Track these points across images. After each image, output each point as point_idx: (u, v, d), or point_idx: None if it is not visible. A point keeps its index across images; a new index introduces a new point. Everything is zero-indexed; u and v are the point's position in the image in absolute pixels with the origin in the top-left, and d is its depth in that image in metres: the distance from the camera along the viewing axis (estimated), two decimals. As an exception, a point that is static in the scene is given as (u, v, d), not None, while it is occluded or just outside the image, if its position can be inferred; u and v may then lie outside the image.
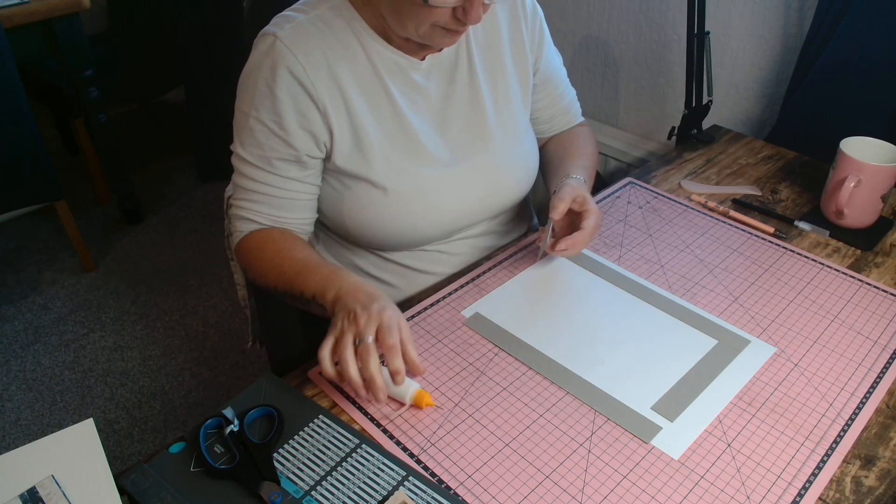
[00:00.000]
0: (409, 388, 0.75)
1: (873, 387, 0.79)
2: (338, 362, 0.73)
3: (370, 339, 0.72)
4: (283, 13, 0.89)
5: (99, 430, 0.71)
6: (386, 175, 0.90)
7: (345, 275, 0.81)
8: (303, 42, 0.85)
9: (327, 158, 0.90)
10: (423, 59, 0.91)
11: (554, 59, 1.07)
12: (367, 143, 0.89)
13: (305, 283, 0.83)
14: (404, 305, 0.91)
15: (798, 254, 1.01)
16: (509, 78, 0.99)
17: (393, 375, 0.72)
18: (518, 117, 1.02)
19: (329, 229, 1.01)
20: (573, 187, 0.93)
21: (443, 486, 0.68)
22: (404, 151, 0.91)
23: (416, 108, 0.92)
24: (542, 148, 1.11)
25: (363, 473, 0.68)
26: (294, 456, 0.70)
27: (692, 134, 1.34)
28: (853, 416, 0.76)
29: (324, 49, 0.86)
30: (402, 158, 0.91)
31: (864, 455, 0.72)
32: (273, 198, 0.91)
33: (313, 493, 0.67)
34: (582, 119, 1.16)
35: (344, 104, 0.87)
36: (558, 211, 0.90)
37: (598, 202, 1.11)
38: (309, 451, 0.71)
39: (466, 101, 0.96)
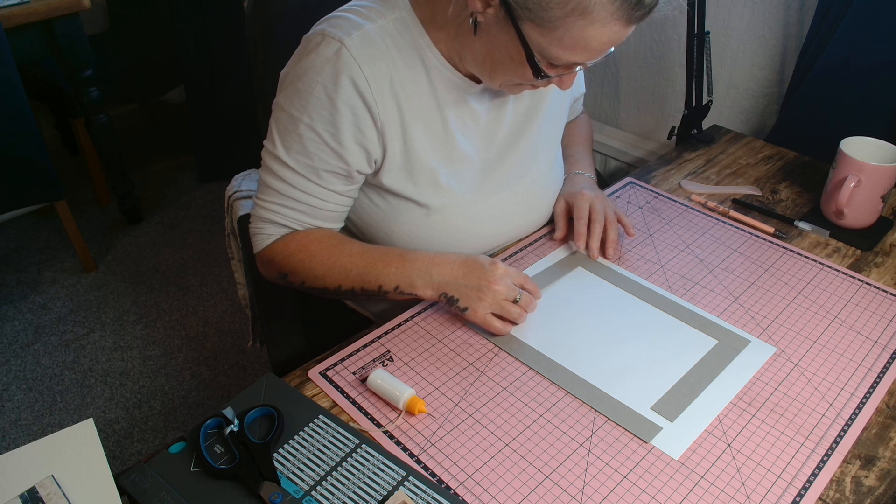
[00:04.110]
0: (404, 392, 0.75)
1: (873, 387, 0.79)
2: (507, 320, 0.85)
3: (519, 293, 0.83)
4: (341, 14, 0.84)
5: (99, 430, 0.71)
6: (431, 197, 0.89)
7: (419, 257, 0.86)
8: (370, 54, 0.81)
9: (374, 174, 0.89)
10: (479, 82, 0.89)
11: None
12: (417, 164, 0.88)
13: (381, 276, 0.85)
14: (408, 304, 0.91)
15: (798, 254, 1.01)
16: (555, 103, 1.00)
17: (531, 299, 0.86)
18: (558, 141, 1.04)
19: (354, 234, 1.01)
20: (565, 199, 1.03)
21: (443, 486, 0.68)
22: (451, 175, 0.90)
23: (465, 131, 0.91)
24: None
25: (363, 473, 0.68)
26: (294, 456, 0.70)
27: (692, 134, 1.34)
28: (853, 416, 0.76)
29: (388, 65, 0.82)
30: (448, 181, 0.90)
31: (864, 455, 0.72)
32: (313, 208, 0.88)
33: (313, 493, 0.67)
34: (582, 108, 1.21)
35: (400, 124, 0.85)
36: (561, 232, 1.02)
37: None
38: (309, 451, 0.71)
39: (514, 127, 0.95)
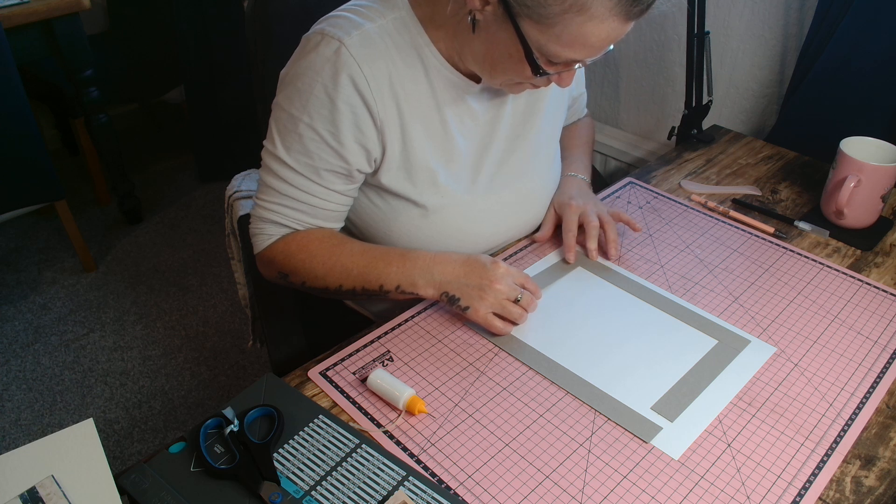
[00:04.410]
0: (404, 392, 0.75)
1: (873, 387, 0.79)
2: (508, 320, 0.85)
3: (521, 292, 0.84)
4: (340, 13, 0.84)
5: (99, 430, 0.71)
6: (429, 197, 0.89)
7: (421, 256, 0.86)
8: (370, 54, 0.81)
9: (373, 174, 0.89)
10: (478, 82, 0.89)
11: (581, 70, 1.09)
12: (415, 164, 0.88)
13: (382, 276, 0.86)
14: (408, 303, 0.91)
15: (798, 254, 1.01)
16: (553, 104, 1.00)
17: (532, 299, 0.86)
18: (556, 142, 1.04)
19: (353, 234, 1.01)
20: (554, 207, 1.02)
21: (443, 486, 0.68)
22: (449, 175, 0.90)
23: (464, 131, 0.91)
24: None
25: (363, 473, 0.69)
26: (294, 456, 0.70)
27: (692, 134, 1.34)
28: (853, 416, 0.76)
29: (388, 64, 0.82)
30: (447, 181, 0.90)
31: (864, 455, 0.72)
32: (314, 207, 0.88)
33: (313, 493, 0.67)
34: (586, 111, 1.20)
35: (399, 123, 0.85)
36: (544, 235, 1.02)
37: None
38: (309, 451, 0.71)
39: (513, 127, 0.95)
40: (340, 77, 0.80)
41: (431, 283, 0.85)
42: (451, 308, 0.85)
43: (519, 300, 0.84)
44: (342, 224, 0.94)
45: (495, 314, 0.84)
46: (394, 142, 0.86)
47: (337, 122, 0.82)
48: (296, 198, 0.87)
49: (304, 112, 0.82)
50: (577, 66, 0.79)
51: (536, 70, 0.77)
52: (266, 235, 0.91)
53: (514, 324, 0.85)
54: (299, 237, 0.90)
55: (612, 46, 0.77)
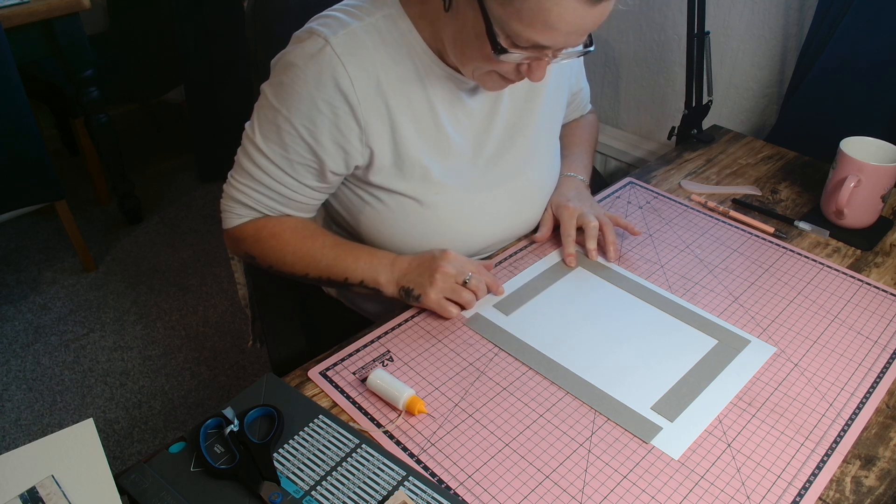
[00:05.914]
0: (404, 392, 0.75)
1: (873, 387, 0.79)
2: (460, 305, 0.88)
3: (469, 274, 0.87)
4: (331, 13, 0.85)
5: (99, 430, 0.71)
6: (424, 193, 0.90)
7: (387, 255, 0.90)
8: (355, 54, 0.81)
9: (363, 173, 0.89)
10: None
11: (580, 64, 1.09)
12: (408, 162, 0.88)
13: (349, 269, 0.89)
14: (405, 305, 0.91)
15: (798, 254, 1.01)
16: (551, 99, 0.99)
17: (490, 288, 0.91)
18: (555, 138, 1.03)
19: (344, 229, 1.01)
20: (551, 208, 1.02)
21: (443, 486, 0.68)
22: (444, 171, 0.90)
23: (459, 127, 0.91)
24: None
25: (363, 473, 0.69)
26: (294, 456, 0.70)
27: (692, 134, 1.34)
28: (853, 416, 0.76)
29: (375, 63, 0.82)
30: (442, 177, 0.90)
31: (864, 455, 0.72)
32: (284, 197, 0.90)
33: (313, 493, 0.67)
34: (590, 107, 1.20)
35: (389, 122, 0.85)
36: (543, 236, 1.01)
37: (598, 202, 1.10)
38: (309, 451, 0.71)
39: (510, 123, 0.95)
40: (324, 76, 0.80)
41: (392, 281, 0.88)
42: (409, 302, 0.88)
43: (468, 282, 0.86)
44: (313, 214, 0.95)
45: (448, 299, 0.86)
46: (382, 142, 0.86)
47: (315, 121, 0.83)
48: (268, 185, 0.89)
49: (284, 106, 0.83)
50: (547, 58, 0.77)
51: (496, 47, 0.74)
52: (236, 215, 0.92)
53: (465, 308, 0.88)
54: (271, 225, 0.91)
55: (593, 48, 0.77)
